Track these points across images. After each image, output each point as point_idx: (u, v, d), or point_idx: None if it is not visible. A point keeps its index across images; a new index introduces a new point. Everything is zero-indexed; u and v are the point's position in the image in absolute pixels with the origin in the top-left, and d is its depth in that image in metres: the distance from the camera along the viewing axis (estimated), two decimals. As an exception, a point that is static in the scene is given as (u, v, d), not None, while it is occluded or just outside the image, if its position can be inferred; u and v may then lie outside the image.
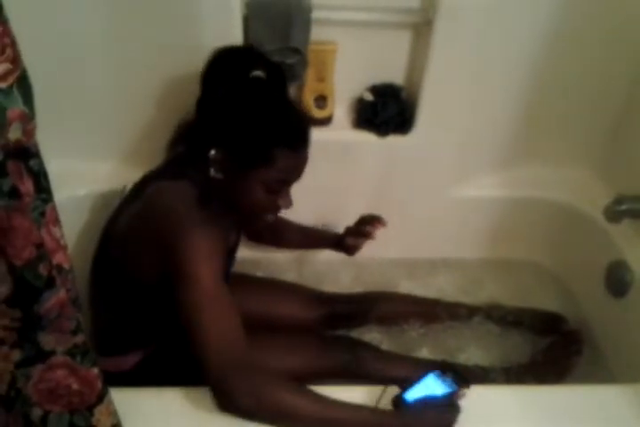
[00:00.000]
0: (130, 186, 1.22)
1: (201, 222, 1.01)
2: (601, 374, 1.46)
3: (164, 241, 1.01)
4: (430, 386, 0.99)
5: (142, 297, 1.15)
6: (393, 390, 1.00)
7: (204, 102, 1.11)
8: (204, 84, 1.12)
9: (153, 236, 1.04)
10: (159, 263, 1.05)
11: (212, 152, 1.07)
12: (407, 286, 1.69)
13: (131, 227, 1.10)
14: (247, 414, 0.94)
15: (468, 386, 1.00)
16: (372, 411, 0.98)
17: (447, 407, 0.97)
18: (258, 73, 1.09)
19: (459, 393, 0.99)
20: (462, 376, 1.02)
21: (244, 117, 1.06)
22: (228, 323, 0.97)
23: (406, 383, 0.99)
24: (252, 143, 1.06)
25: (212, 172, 1.08)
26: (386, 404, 0.98)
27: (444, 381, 1.00)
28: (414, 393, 0.97)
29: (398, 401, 0.97)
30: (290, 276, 1.67)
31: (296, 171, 1.12)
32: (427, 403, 0.97)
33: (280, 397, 0.93)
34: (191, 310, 0.97)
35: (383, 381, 1.30)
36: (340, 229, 1.56)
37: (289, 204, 1.16)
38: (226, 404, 0.95)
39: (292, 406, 0.92)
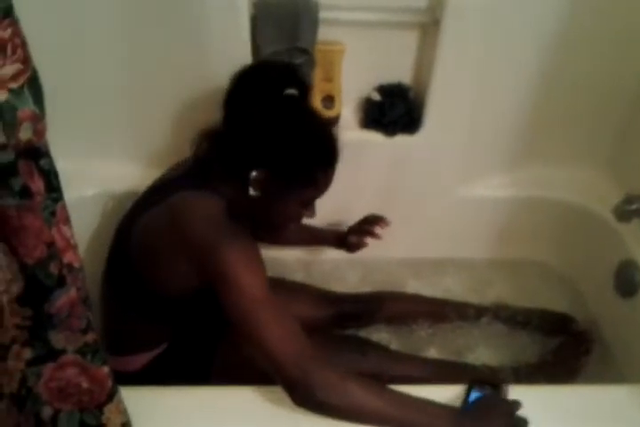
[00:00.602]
0: (137, 189, 1.22)
1: (233, 235, 1.02)
2: (611, 374, 1.46)
3: (198, 257, 1.02)
4: None
5: (156, 301, 1.15)
6: None
7: (238, 118, 1.09)
8: (235, 99, 1.10)
9: (181, 249, 1.04)
10: (183, 275, 1.06)
11: (254, 173, 1.07)
12: (414, 286, 1.69)
13: (152, 234, 1.09)
14: (323, 408, 0.96)
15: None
16: (441, 407, 1.00)
17: (503, 402, 1.01)
18: (291, 91, 1.08)
19: (502, 392, 1.03)
20: (495, 384, 1.04)
21: (288, 139, 1.06)
22: (288, 323, 0.99)
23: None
24: (297, 165, 1.07)
25: (252, 191, 1.08)
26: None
27: (486, 392, 1.02)
28: None
29: None
30: (297, 276, 1.67)
31: (329, 185, 1.14)
32: (483, 402, 1.01)
33: (355, 390, 0.95)
34: (248, 320, 0.97)
35: (392, 380, 1.31)
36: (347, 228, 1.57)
37: (314, 214, 1.20)
38: (304, 399, 0.96)
39: (366, 400, 0.96)
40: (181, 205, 1.07)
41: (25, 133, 0.61)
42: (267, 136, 1.06)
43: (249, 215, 1.11)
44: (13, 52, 0.58)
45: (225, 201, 1.07)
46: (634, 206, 1.34)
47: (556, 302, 1.64)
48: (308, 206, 1.17)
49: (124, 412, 0.86)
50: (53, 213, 0.66)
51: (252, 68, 1.13)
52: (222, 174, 1.10)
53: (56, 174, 0.68)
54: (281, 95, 1.07)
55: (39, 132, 0.63)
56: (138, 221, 1.12)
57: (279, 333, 0.97)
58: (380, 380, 1.30)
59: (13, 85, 0.59)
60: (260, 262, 1.04)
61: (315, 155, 1.08)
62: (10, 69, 0.58)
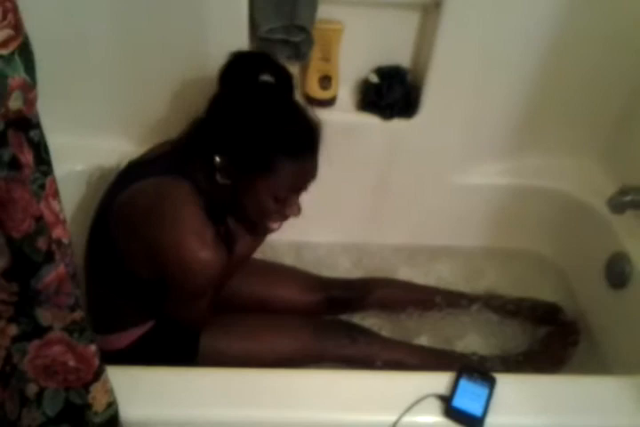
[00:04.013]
0: (124, 164, 1.21)
1: (193, 230, 1.05)
2: (597, 365, 1.46)
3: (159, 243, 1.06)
4: (469, 388, 1.02)
5: (137, 281, 1.15)
6: (427, 400, 1.00)
7: (214, 104, 1.10)
8: (218, 87, 1.11)
9: (142, 232, 1.07)
10: (149, 255, 1.08)
11: (217, 159, 1.06)
12: (407, 273, 1.67)
13: (129, 214, 1.10)
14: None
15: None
16: None
17: None
18: (266, 77, 1.07)
19: None
20: (484, 370, 1.06)
21: (247, 123, 1.04)
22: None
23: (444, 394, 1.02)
24: (252, 150, 1.04)
25: (219, 177, 1.07)
26: (420, 411, 0.99)
27: (475, 380, 1.03)
28: (461, 400, 1.00)
29: (451, 411, 0.99)
30: (288, 259, 1.66)
31: (302, 179, 1.10)
32: None
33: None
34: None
35: (381, 364, 1.31)
36: (340, 213, 1.54)
37: (297, 212, 1.14)
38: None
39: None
40: (165, 193, 1.08)
41: (15, 103, 0.59)
42: (229, 120, 1.05)
43: (224, 205, 1.12)
44: (4, 18, 0.56)
45: (196, 188, 1.08)
46: (628, 198, 1.34)
47: (546, 291, 1.64)
48: (287, 202, 1.11)
49: (110, 391, 0.86)
50: (42, 187, 0.65)
51: (232, 55, 1.10)
52: (196, 161, 1.10)
53: (46, 147, 0.66)
54: (255, 81, 1.07)
55: (30, 101, 0.61)
56: (117, 199, 1.12)
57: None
58: (369, 365, 1.31)
59: (4, 52, 0.57)
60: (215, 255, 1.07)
61: (272, 141, 1.04)
62: (0, 35, 0.56)
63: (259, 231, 1.19)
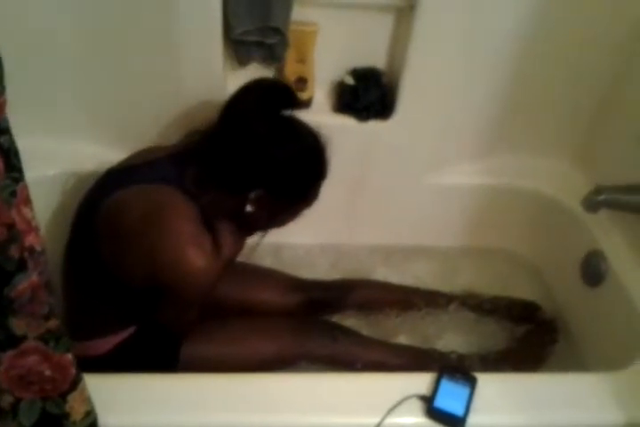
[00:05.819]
0: (101, 168, 1.19)
1: (193, 240, 1.06)
2: (574, 362, 1.48)
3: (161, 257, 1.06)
4: (450, 388, 1.02)
5: (119, 287, 1.13)
6: (409, 401, 1.01)
7: (234, 134, 1.09)
8: (233, 115, 1.10)
9: (146, 241, 1.05)
10: (143, 265, 1.07)
11: (252, 194, 1.09)
12: (384, 273, 1.68)
13: (122, 214, 1.08)
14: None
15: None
16: None
17: None
18: (287, 112, 1.10)
19: None
20: (465, 370, 1.06)
21: (287, 161, 1.09)
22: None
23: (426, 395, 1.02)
24: (295, 185, 1.13)
25: (249, 208, 1.11)
26: (402, 412, 1.00)
27: (456, 380, 1.04)
28: (443, 400, 1.00)
29: (432, 412, 0.99)
30: (267, 261, 1.65)
31: (318, 193, 1.19)
32: None
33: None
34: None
35: (362, 365, 1.31)
36: (317, 214, 1.55)
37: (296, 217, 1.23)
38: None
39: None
40: (163, 201, 1.08)
41: (-17, 108, 0.58)
42: (264, 159, 1.07)
43: (217, 214, 1.14)
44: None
45: (191, 197, 1.10)
46: (602, 197, 1.35)
47: (523, 290, 1.65)
48: (297, 215, 1.21)
49: (87, 400, 0.84)
50: (13, 194, 0.63)
51: (251, 86, 1.13)
52: (197, 173, 1.11)
53: (17, 153, 0.65)
54: (277, 116, 1.08)
55: (-1, 107, 0.60)
56: (103, 204, 1.10)
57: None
58: (351, 366, 1.31)
59: (-29, 58, 0.55)
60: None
61: (309, 174, 1.14)
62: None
63: (251, 233, 1.24)
